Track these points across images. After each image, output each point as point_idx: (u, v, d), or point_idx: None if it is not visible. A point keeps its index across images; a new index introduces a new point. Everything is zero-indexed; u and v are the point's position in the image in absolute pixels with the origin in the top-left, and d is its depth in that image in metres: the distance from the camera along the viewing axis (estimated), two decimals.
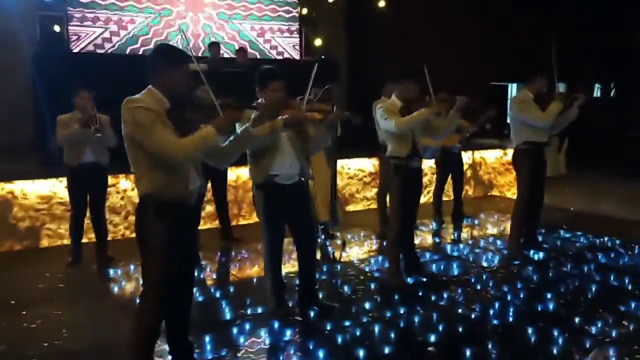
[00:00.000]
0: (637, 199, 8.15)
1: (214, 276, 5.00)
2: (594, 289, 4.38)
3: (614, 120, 12.77)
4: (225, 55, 9.42)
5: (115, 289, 4.60)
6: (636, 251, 5.42)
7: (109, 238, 5.49)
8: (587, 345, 3.39)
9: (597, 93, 16.65)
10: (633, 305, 4.00)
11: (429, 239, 6.09)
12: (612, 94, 16.61)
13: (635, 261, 5.12)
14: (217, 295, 4.39)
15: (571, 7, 13.12)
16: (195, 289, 4.42)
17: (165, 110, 2.68)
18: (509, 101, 15.60)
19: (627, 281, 4.53)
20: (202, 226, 5.84)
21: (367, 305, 4.09)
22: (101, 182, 5.21)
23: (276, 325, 3.70)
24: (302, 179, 3.71)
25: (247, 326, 3.74)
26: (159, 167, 2.66)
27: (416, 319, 3.84)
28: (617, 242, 5.75)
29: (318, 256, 5.41)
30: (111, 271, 5.01)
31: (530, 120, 4.94)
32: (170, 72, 2.71)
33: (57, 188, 5.85)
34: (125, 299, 4.39)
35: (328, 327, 3.70)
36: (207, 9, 9.96)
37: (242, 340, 3.55)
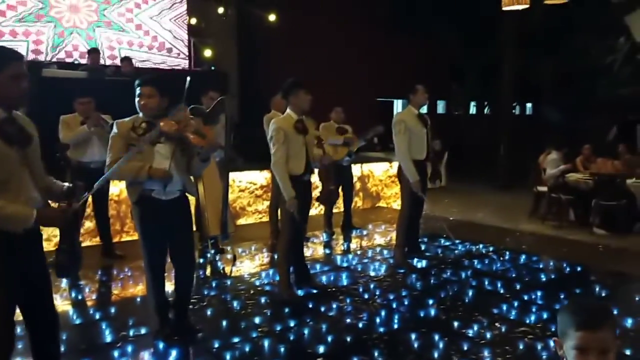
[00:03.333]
0: (508, 209, 8.87)
1: (94, 296, 4.69)
2: (470, 293, 4.67)
3: (487, 136, 13.83)
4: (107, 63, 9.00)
5: None
6: (507, 257, 5.87)
7: None
8: (465, 348, 3.59)
9: (472, 110, 18.01)
10: (505, 308, 4.31)
11: (319, 250, 6.18)
12: (485, 112, 18.03)
13: (506, 266, 5.54)
14: (97, 316, 4.12)
15: (450, 27, 14.09)
16: (72, 311, 4.18)
17: None
18: (394, 116, 16.44)
19: (499, 285, 4.88)
20: (84, 243, 5.50)
21: (257, 320, 4.04)
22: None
23: (161, 345, 3.54)
24: (183, 194, 3.56)
25: (130, 348, 3.54)
26: None
27: (306, 331, 3.86)
28: (491, 248, 6.19)
29: (208, 271, 5.30)
30: None
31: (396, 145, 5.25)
32: None
33: None
34: None
35: (216, 345, 3.61)
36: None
37: None
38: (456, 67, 15.63)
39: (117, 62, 9.06)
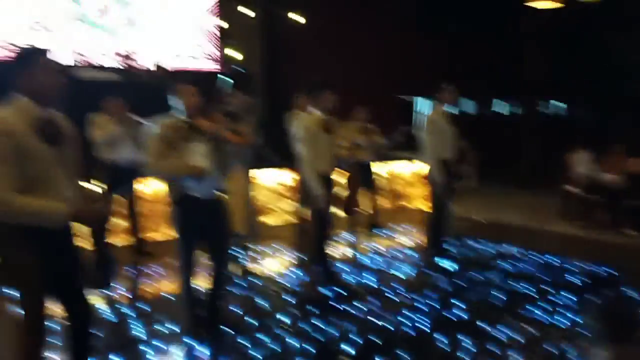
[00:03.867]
0: (536, 209, 8.75)
1: (125, 294, 4.77)
2: (500, 295, 4.62)
3: (512, 135, 13.65)
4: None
5: None
6: (536, 258, 5.79)
7: None
8: (495, 351, 3.57)
9: (497, 109, 17.76)
10: (535, 311, 4.26)
11: (344, 250, 6.18)
12: (510, 110, 17.77)
13: (536, 268, 5.47)
14: (129, 313, 4.20)
15: (468, 26, 13.94)
16: (106, 307, 4.27)
17: (35, 120, 2.39)
18: (414, 114, 16.28)
19: (529, 287, 4.82)
20: (115, 242, 5.61)
21: (284, 319, 4.07)
22: None
23: (191, 342, 3.59)
24: (219, 193, 3.63)
25: (161, 345, 3.60)
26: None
27: (333, 331, 3.87)
28: (520, 250, 6.11)
29: (234, 270, 5.35)
30: None
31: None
32: (30, 73, 2.40)
33: None
34: None
35: (245, 343, 3.64)
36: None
37: (155, 359, 3.40)
38: (479, 64, 15.44)
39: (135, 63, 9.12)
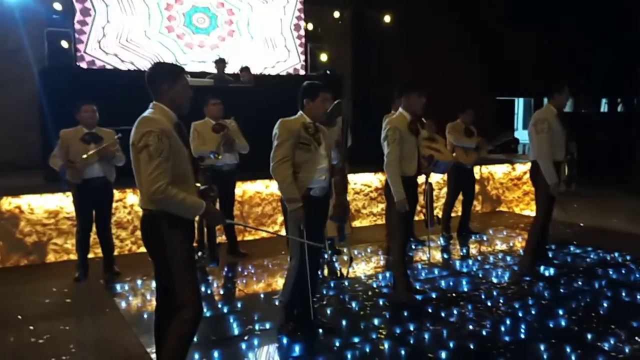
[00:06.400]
0: None
1: (221, 291, 4.96)
2: (605, 305, 4.32)
3: (620, 135, 12.74)
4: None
5: (122, 304, 4.57)
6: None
7: (115, 253, 5.46)
8: None
9: (604, 108, 16.65)
10: None
11: (437, 255, 6.05)
12: (619, 109, 16.59)
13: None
14: (225, 310, 4.36)
15: (573, 20, 13.17)
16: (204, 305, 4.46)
17: (174, 124, 2.74)
18: (515, 115, 15.59)
19: (638, 297, 4.47)
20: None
21: (376, 321, 4.05)
22: (108, 197, 5.21)
23: (285, 340, 3.66)
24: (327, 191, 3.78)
25: (256, 341, 3.70)
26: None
27: (426, 335, 3.79)
28: (628, 257, 5.69)
29: (325, 272, 5.40)
30: (118, 286, 4.99)
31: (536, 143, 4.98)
32: (173, 87, 2.76)
33: (64, 203, 5.85)
34: (131, 314, 4.35)
35: (337, 344, 3.66)
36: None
37: (250, 355, 3.50)
38: (584, 62, 14.54)
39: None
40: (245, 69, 8.91)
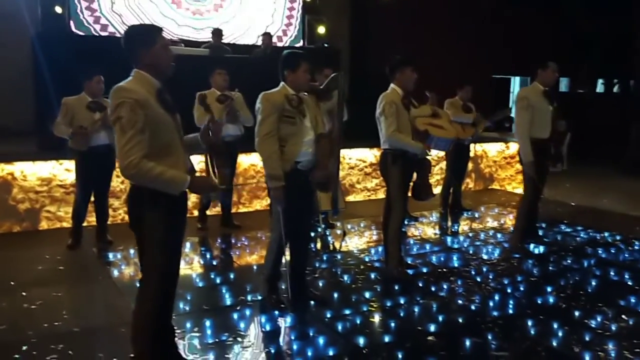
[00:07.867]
0: (637, 195, 8.16)
1: (215, 262, 4.99)
2: (594, 283, 4.38)
3: (614, 116, 12.76)
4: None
5: (115, 272, 4.59)
6: (636, 247, 5.43)
7: (108, 222, 5.46)
8: (587, 339, 3.40)
9: (600, 89, 16.63)
10: (633, 300, 4.00)
11: (428, 231, 6.09)
12: (615, 90, 16.57)
13: (635, 256, 5.13)
14: (218, 281, 4.39)
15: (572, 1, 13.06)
16: (195, 275, 4.50)
17: (156, 91, 2.56)
18: (511, 94, 15.55)
19: (626, 276, 4.54)
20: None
21: (367, 294, 4.09)
22: (111, 164, 5.16)
23: (276, 312, 3.70)
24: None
25: (248, 312, 3.74)
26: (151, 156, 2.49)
27: (416, 309, 3.84)
28: (617, 237, 5.76)
29: (318, 245, 5.44)
30: (110, 254, 5.00)
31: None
32: (150, 50, 2.55)
33: (57, 170, 5.83)
34: (124, 282, 4.38)
35: (328, 315, 3.70)
36: None
37: (242, 325, 3.55)
38: (581, 41, 14.46)
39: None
40: (266, 34, 8.84)
